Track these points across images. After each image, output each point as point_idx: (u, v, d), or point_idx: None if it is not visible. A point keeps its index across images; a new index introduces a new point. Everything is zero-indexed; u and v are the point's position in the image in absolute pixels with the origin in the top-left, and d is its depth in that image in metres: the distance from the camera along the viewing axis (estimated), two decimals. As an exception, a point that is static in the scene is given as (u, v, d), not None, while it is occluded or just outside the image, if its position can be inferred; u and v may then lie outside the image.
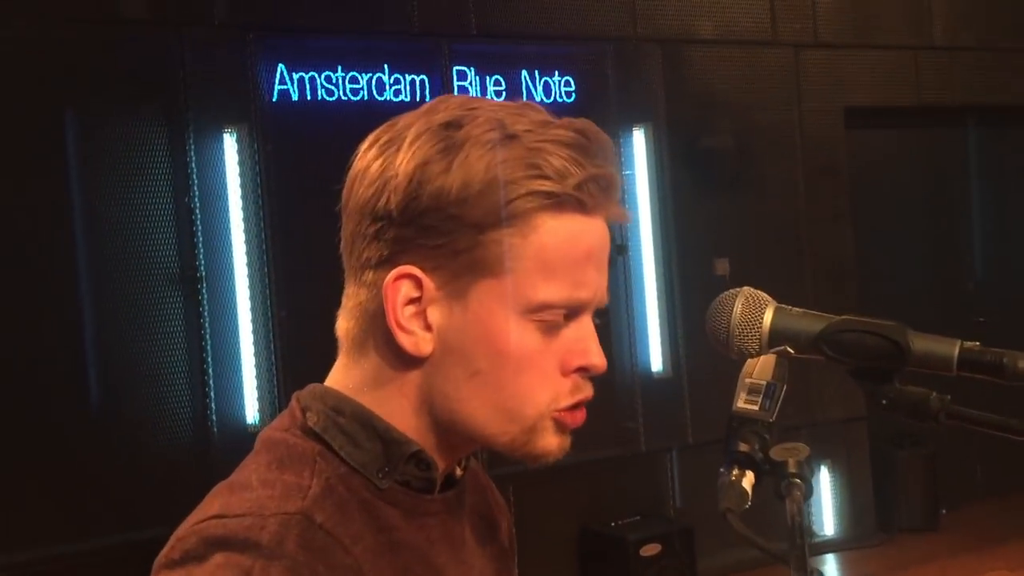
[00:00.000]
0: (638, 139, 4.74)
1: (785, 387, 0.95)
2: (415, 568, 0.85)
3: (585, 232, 0.85)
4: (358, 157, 0.88)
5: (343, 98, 4.13)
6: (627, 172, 4.70)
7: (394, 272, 0.84)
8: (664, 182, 4.77)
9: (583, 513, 4.52)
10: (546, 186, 0.83)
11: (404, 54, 4.28)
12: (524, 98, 5.01)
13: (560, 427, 0.87)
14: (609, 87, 4.68)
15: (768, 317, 0.92)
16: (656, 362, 4.71)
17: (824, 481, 5.12)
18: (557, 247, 0.84)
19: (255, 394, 3.93)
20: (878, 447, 5.26)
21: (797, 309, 0.93)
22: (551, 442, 0.86)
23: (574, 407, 0.87)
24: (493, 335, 0.84)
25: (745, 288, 0.94)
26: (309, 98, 4.07)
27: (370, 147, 0.87)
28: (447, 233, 0.83)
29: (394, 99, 4.22)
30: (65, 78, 3.68)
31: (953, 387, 0.84)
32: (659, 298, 4.72)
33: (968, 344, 0.88)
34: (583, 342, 0.86)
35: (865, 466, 5.24)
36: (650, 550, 4.29)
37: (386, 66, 4.22)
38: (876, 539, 5.15)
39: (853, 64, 5.28)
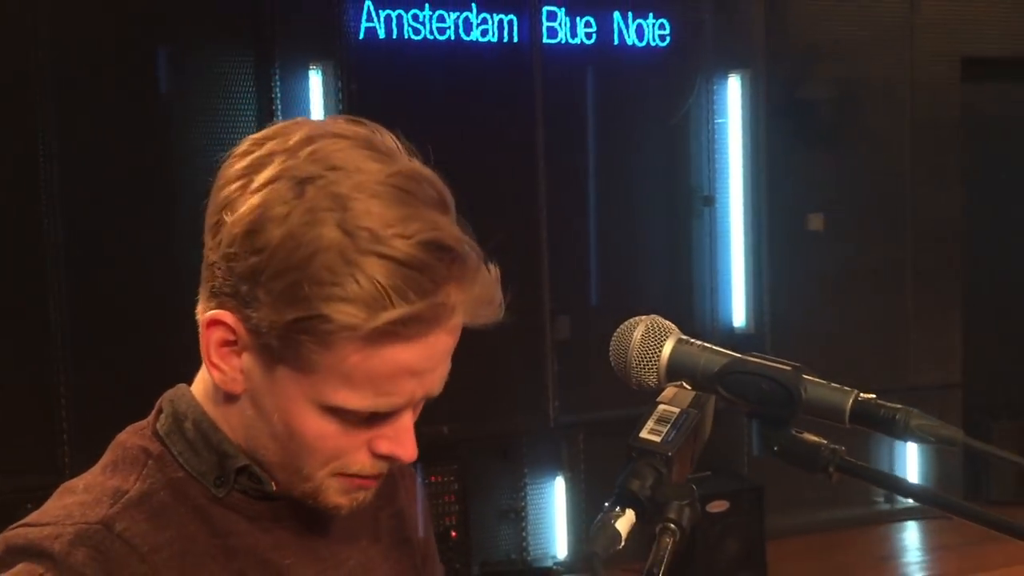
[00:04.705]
0: (733, 86, 4.58)
1: (701, 417, 0.91)
2: (251, 572, 0.86)
3: (402, 354, 0.79)
4: (227, 160, 0.83)
5: (429, 37, 4.11)
6: (719, 120, 4.56)
7: (209, 316, 0.82)
8: (759, 132, 4.61)
9: (653, 464, 4.48)
10: (346, 318, 0.76)
11: (493, -8, 4.20)
12: (616, 42, 4.70)
13: (345, 489, 0.87)
14: (705, 31, 4.52)
15: (667, 349, 0.89)
16: (738, 317, 4.62)
17: (912, 446, 4.97)
18: (360, 367, 0.79)
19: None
20: (972, 416, 5.05)
21: (698, 342, 0.90)
22: (339, 501, 0.87)
23: (362, 477, 0.87)
24: (290, 418, 0.83)
25: (650, 317, 0.91)
26: (395, 36, 4.06)
27: (241, 158, 0.82)
28: (257, 310, 0.79)
29: (481, 39, 4.17)
30: (154, 13, 3.75)
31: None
32: (745, 252, 4.61)
33: (865, 396, 0.83)
34: (394, 431, 0.85)
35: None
36: (717, 506, 4.25)
37: (474, 4, 4.16)
38: (962, 510, 4.98)
39: (975, 8, 4.93)
